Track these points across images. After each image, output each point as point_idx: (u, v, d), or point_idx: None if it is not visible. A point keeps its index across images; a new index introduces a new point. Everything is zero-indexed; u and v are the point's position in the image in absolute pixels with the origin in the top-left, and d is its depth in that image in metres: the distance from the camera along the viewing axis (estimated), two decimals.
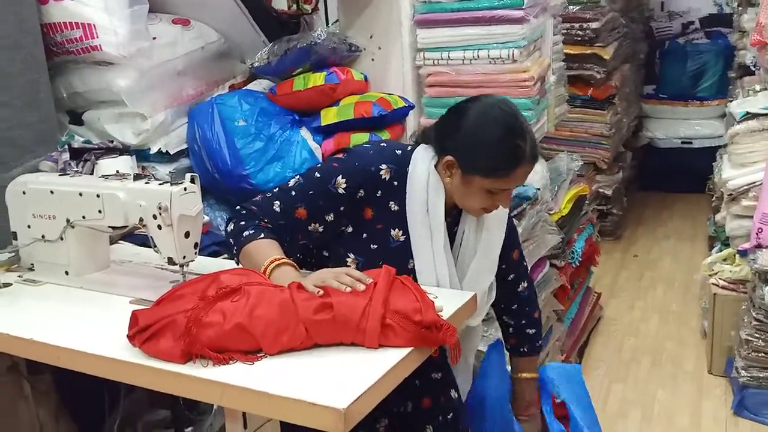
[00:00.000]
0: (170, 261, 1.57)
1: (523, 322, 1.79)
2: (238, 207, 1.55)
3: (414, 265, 1.55)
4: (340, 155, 1.57)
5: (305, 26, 2.65)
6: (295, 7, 2.80)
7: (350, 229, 1.54)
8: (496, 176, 1.45)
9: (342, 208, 1.50)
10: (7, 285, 1.67)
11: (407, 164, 1.54)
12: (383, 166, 1.52)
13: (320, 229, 1.51)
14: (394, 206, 1.54)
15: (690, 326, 3.26)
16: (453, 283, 1.57)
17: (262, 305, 1.27)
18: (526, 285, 1.78)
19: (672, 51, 5.26)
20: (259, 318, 1.25)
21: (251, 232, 1.46)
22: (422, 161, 1.53)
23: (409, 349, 1.26)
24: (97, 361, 1.31)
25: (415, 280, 1.49)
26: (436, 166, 1.53)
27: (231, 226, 1.51)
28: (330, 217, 1.51)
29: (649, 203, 5.06)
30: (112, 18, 2.06)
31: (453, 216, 1.60)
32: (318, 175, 1.51)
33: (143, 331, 1.27)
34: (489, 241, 1.61)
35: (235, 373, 1.20)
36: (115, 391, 1.82)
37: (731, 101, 3.57)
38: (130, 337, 1.29)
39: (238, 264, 1.51)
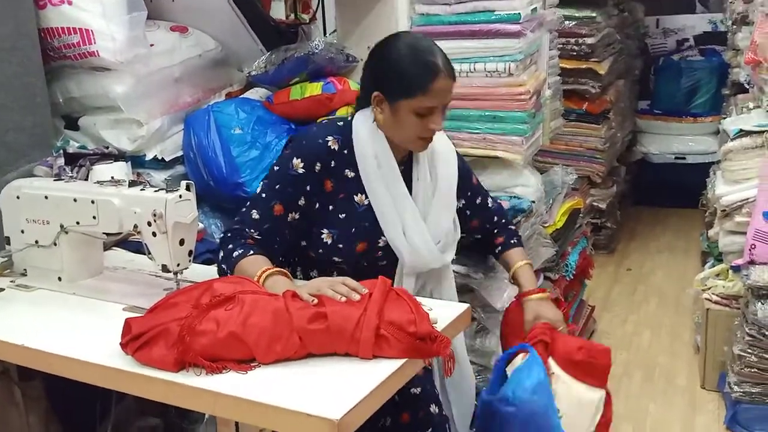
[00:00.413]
0: (164, 268, 1.56)
1: (503, 221, 1.95)
2: (222, 233, 1.63)
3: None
4: (289, 144, 1.67)
5: (303, 36, 2.66)
6: (293, 16, 2.81)
7: (317, 206, 1.61)
8: (417, 93, 1.53)
9: (308, 188, 1.59)
10: None
11: (351, 131, 1.63)
12: (329, 138, 1.61)
13: (297, 216, 1.60)
14: (350, 173, 1.62)
15: (683, 341, 3.26)
16: (419, 228, 1.63)
17: (256, 314, 1.27)
18: (491, 200, 1.92)
19: (666, 67, 5.30)
20: (253, 326, 1.25)
21: (240, 251, 1.52)
22: (362, 122, 1.63)
23: (402, 361, 1.26)
24: (90, 369, 1.30)
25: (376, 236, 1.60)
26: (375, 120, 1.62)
27: (221, 253, 1.57)
28: (302, 201, 1.59)
29: (643, 217, 5.08)
30: (110, 24, 2.06)
31: (405, 166, 1.67)
32: (277, 168, 1.61)
33: (136, 338, 1.27)
34: (444, 180, 1.70)
35: (228, 383, 1.20)
36: (107, 398, 1.80)
37: (725, 118, 3.59)
38: (123, 345, 1.28)
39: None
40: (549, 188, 2.72)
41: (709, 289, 2.84)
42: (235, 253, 1.52)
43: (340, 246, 1.62)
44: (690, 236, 4.53)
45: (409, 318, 1.28)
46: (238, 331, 1.24)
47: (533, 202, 2.41)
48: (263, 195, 1.60)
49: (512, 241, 1.90)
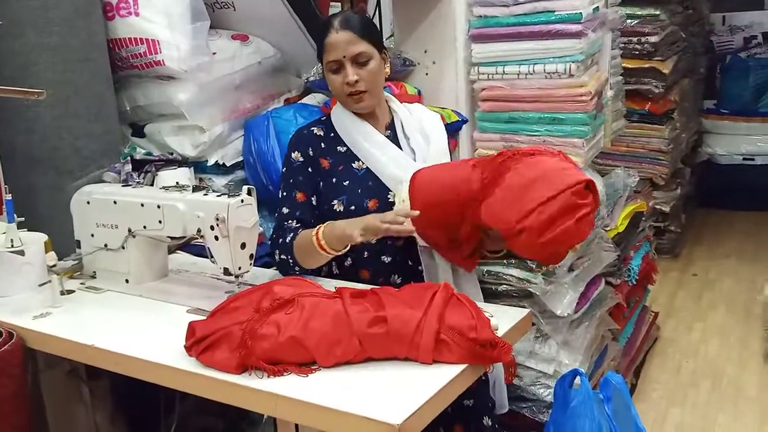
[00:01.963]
0: (226, 271, 1.60)
1: None
2: (269, 240, 1.79)
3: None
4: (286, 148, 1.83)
5: None
6: None
7: (321, 184, 1.76)
8: (322, 53, 1.73)
9: (310, 170, 1.76)
10: (70, 292, 1.72)
11: (331, 121, 1.81)
12: (313, 128, 1.82)
13: (314, 199, 1.76)
14: (341, 149, 1.78)
15: (752, 349, 3.13)
16: (408, 160, 1.73)
17: (316, 317, 1.28)
18: None
19: (733, 65, 5.11)
20: (314, 330, 1.26)
21: (290, 236, 1.69)
22: (336, 107, 1.83)
23: (463, 366, 1.25)
24: (155, 369, 1.33)
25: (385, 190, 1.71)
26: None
27: (277, 252, 1.72)
28: (313, 184, 1.76)
29: (709, 221, 4.91)
30: (175, 34, 2.12)
31: (390, 129, 1.82)
32: (285, 169, 1.79)
33: (200, 341, 1.30)
34: (432, 130, 1.82)
35: (290, 385, 1.21)
36: (170, 397, 1.85)
37: None
38: (188, 348, 1.31)
39: (299, 270, 1.68)
40: (610, 191, 2.65)
41: None
42: (287, 240, 1.68)
43: (353, 208, 1.71)
44: (759, 240, 4.35)
45: (470, 323, 1.28)
46: (299, 335, 1.26)
47: None
48: (284, 193, 1.77)
49: None
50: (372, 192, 1.73)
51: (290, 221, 1.73)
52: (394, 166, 1.73)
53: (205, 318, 1.40)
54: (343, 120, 1.80)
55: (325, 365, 1.26)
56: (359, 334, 1.27)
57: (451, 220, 1.59)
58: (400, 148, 1.78)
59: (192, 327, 1.33)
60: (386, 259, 1.74)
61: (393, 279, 1.73)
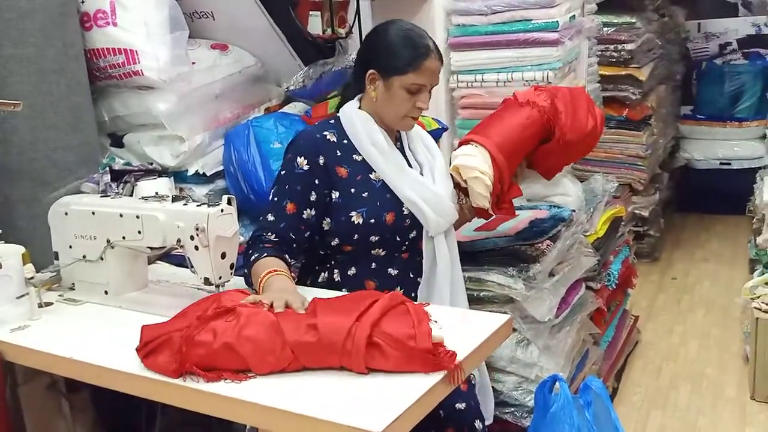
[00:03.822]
0: (206, 281, 1.59)
1: None
2: (246, 242, 1.73)
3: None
4: (289, 148, 1.76)
5: (340, 50, 2.68)
6: (330, 31, 2.84)
7: (336, 194, 1.70)
8: (409, 70, 1.67)
9: (316, 181, 1.69)
10: (48, 304, 1.71)
11: (341, 124, 1.76)
12: (326, 132, 1.74)
13: (312, 212, 1.69)
14: (357, 157, 1.74)
15: (731, 351, 3.17)
16: (429, 189, 1.74)
17: (251, 326, 1.29)
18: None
19: (709, 72, 5.19)
20: (247, 339, 1.27)
21: (255, 255, 1.65)
22: (348, 110, 1.77)
23: (444, 372, 1.25)
24: (136, 381, 1.32)
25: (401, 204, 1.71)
26: (360, 108, 1.76)
27: (244, 260, 1.68)
28: (313, 197, 1.69)
29: (687, 225, 4.97)
30: (154, 44, 2.11)
31: (399, 141, 1.81)
32: (284, 172, 1.71)
33: (146, 345, 1.32)
34: (437, 152, 1.85)
35: (272, 395, 1.21)
36: (151, 409, 1.83)
37: None
38: (137, 350, 1.34)
39: (251, 286, 1.64)
40: (589, 197, 2.68)
41: (758, 297, 2.76)
42: (252, 258, 1.65)
43: (372, 221, 1.69)
44: (737, 244, 4.41)
45: (408, 332, 1.24)
46: (232, 342, 1.27)
47: (574, 211, 2.38)
48: (275, 199, 1.70)
49: None
50: (390, 205, 1.71)
51: (269, 234, 1.68)
52: (402, 180, 1.72)
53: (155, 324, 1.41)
54: (368, 133, 1.73)
55: (259, 373, 1.26)
56: (291, 343, 1.26)
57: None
58: (408, 161, 1.79)
59: (142, 330, 1.36)
60: (393, 271, 1.75)
61: (396, 291, 1.71)
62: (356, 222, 1.68)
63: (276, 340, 1.26)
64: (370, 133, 1.73)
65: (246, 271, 1.67)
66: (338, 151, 1.72)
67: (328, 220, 1.71)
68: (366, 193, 1.70)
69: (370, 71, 1.72)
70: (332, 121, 1.79)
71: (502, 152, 1.81)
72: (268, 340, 1.27)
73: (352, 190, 1.70)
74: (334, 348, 1.24)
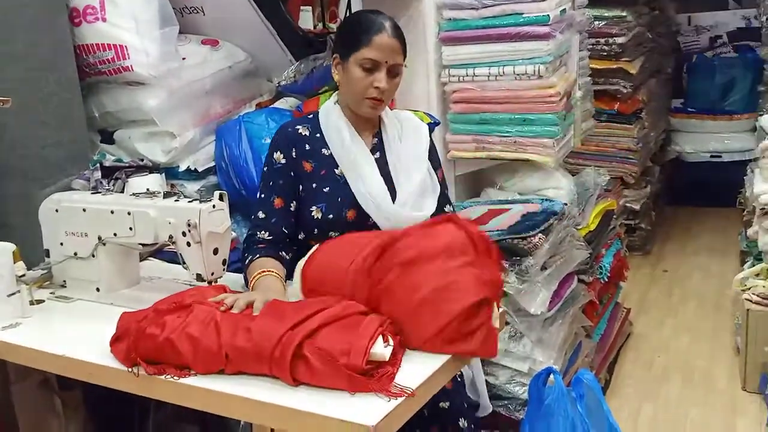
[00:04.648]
0: (199, 277, 1.59)
1: None
2: (243, 243, 1.74)
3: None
4: (270, 146, 1.77)
5: (331, 45, 2.68)
6: (321, 26, 2.83)
7: (301, 188, 1.72)
8: (361, 46, 1.65)
9: (292, 173, 1.71)
10: (39, 301, 1.70)
11: (318, 120, 1.76)
12: (299, 126, 1.75)
13: (297, 205, 1.71)
14: (326, 152, 1.73)
15: (722, 343, 3.19)
16: (382, 190, 1.68)
17: (194, 324, 1.29)
18: (451, 208, 1.87)
19: (699, 65, 5.20)
20: (188, 336, 1.27)
21: (250, 257, 1.66)
22: (326, 102, 1.78)
23: (436, 366, 1.26)
24: (128, 378, 1.32)
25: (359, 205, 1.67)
26: (336, 102, 1.76)
27: (240, 259, 1.70)
28: (294, 189, 1.71)
29: (678, 218, 4.99)
30: (144, 39, 2.10)
31: (377, 137, 1.78)
32: (266, 168, 1.74)
33: (116, 332, 1.36)
34: (410, 134, 1.79)
35: (265, 390, 1.21)
36: (145, 406, 1.83)
37: (762, 115, 3.51)
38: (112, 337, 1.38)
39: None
40: (581, 190, 2.69)
41: (749, 289, 2.78)
42: (246, 261, 1.66)
43: (330, 217, 1.68)
44: (728, 236, 4.43)
45: (342, 348, 1.17)
46: (174, 338, 1.27)
47: (565, 204, 2.39)
48: (262, 195, 1.73)
49: None
50: (352, 202, 1.69)
51: (262, 231, 1.69)
52: (357, 174, 1.69)
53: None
54: (335, 126, 1.73)
55: (197, 371, 1.27)
56: (226, 346, 1.24)
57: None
58: (385, 158, 1.75)
59: (120, 317, 1.39)
60: None
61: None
62: (315, 217, 1.68)
63: (212, 341, 1.25)
64: (336, 125, 1.73)
65: (243, 270, 1.69)
66: (307, 145, 1.73)
67: (297, 213, 1.72)
68: (327, 188, 1.70)
69: (334, 56, 1.73)
70: (311, 116, 1.80)
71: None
72: (205, 340, 1.26)
73: (314, 185, 1.70)
74: (263, 355, 1.21)
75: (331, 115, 1.75)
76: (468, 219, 1.50)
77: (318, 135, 1.75)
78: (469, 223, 1.45)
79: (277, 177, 1.71)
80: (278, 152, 1.72)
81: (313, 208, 1.69)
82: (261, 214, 1.71)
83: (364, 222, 1.69)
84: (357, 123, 1.75)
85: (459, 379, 1.79)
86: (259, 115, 2.37)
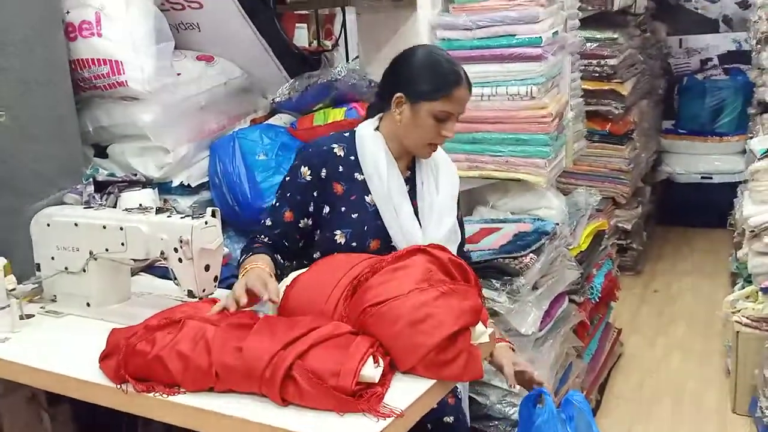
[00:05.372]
0: (190, 294, 1.58)
1: None
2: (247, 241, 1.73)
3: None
4: (298, 154, 1.74)
5: (326, 63, 2.70)
6: (316, 43, 2.86)
7: (327, 209, 1.68)
8: (440, 97, 1.62)
9: (315, 193, 1.67)
10: (29, 316, 1.69)
11: (355, 140, 1.71)
12: (335, 145, 1.70)
13: (309, 222, 1.69)
14: (359, 176, 1.69)
15: (713, 364, 3.20)
16: (416, 230, 1.67)
17: (184, 341, 1.28)
18: (466, 248, 1.91)
19: (690, 87, 5.27)
20: (178, 354, 1.27)
21: (244, 256, 1.65)
22: (365, 128, 1.72)
23: (427, 387, 1.26)
24: (117, 395, 1.31)
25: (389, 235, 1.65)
26: (377, 128, 1.71)
27: (240, 257, 1.68)
28: (311, 208, 1.68)
29: (670, 238, 5.02)
30: (139, 55, 2.11)
31: (410, 171, 1.75)
32: (288, 178, 1.70)
33: (106, 348, 1.35)
34: (446, 186, 1.76)
35: (254, 409, 1.20)
36: (132, 423, 1.82)
37: (751, 137, 3.56)
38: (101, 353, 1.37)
39: None
40: (573, 210, 2.70)
41: (739, 311, 2.79)
42: (241, 258, 1.65)
43: (354, 245, 1.65)
44: (718, 257, 4.46)
45: (332, 369, 1.18)
46: (164, 355, 1.27)
47: (557, 224, 2.40)
48: (276, 204, 1.71)
49: None
50: (377, 232, 1.66)
51: (264, 237, 1.69)
52: (393, 210, 1.67)
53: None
54: (373, 154, 1.67)
55: (187, 389, 1.26)
56: (217, 364, 1.24)
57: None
58: (415, 193, 1.73)
59: (110, 333, 1.39)
60: None
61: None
62: (339, 242, 1.65)
63: (203, 359, 1.25)
64: (375, 155, 1.68)
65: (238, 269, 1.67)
66: (341, 167, 1.68)
67: (318, 232, 1.70)
68: (356, 215, 1.66)
69: (398, 94, 1.66)
70: (347, 134, 1.75)
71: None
72: (195, 358, 1.25)
73: (343, 209, 1.66)
74: (254, 374, 1.20)
75: (369, 142, 1.69)
76: (441, 247, 1.48)
77: (353, 158, 1.69)
78: (442, 251, 1.45)
79: (295, 191, 1.67)
80: (306, 167, 1.67)
81: (338, 232, 1.66)
82: (268, 222, 1.69)
83: (386, 252, 1.65)
84: (396, 155, 1.71)
85: (459, 396, 1.79)
86: (253, 131, 2.37)
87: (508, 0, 2.33)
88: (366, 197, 1.68)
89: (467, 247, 1.96)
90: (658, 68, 5.09)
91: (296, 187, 1.67)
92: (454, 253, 1.71)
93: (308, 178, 1.66)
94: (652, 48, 4.87)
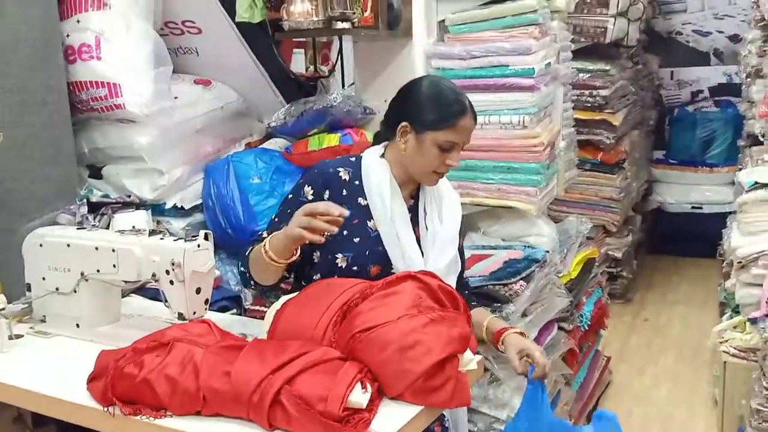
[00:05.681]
0: (180, 316, 1.59)
1: (473, 303, 1.89)
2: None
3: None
4: (304, 174, 1.75)
5: (322, 89, 2.73)
6: (312, 69, 2.89)
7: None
8: (444, 127, 1.64)
9: None
10: (18, 336, 1.69)
11: (360, 165, 1.73)
12: (341, 169, 1.71)
13: (306, 242, 1.62)
14: (362, 201, 1.69)
15: (701, 394, 3.21)
16: (418, 260, 1.68)
17: (173, 365, 1.29)
18: (466, 276, 1.94)
19: (681, 118, 5.33)
20: (166, 377, 1.27)
21: (250, 249, 1.66)
22: (371, 155, 1.74)
23: (414, 413, 1.26)
24: (104, 417, 1.31)
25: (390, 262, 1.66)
26: (383, 155, 1.73)
27: (239, 264, 1.69)
28: None
29: (660, 267, 5.04)
30: (137, 79, 2.14)
31: (414, 199, 1.76)
32: (290, 196, 1.71)
33: (94, 370, 1.36)
34: (449, 217, 1.77)
35: None
36: None
37: (741, 169, 3.60)
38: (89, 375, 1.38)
39: (253, 285, 1.66)
40: (563, 237, 2.72)
41: (727, 341, 2.80)
42: (246, 252, 1.65)
43: (355, 269, 1.65)
44: (708, 286, 4.48)
45: (320, 394, 1.19)
46: (152, 379, 1.27)
47: (547, 251, 2.42)
48: (275, 219, 1.70)
49: (473, 303, 1.88)
50: (378, 258, 1.66)
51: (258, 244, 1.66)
52: (396, 238, 1.67)
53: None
54: (377, 181, 1.68)
55: (174, 413, 1.26)
56: (204, 388, 1.24)
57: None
58: (417, 220, 1.74)
59: (98, 355, 1.39)
60: None
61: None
62: (340, 265, 1.65)
63: (191, 383, 1.25)
64: (379, 181, 1.68)
65: (242, 269, 1.67)
66: (344, 190, 1.69)
67: (318, 253, 1.69)
68: (357, 239, 1.67)
69: (403, 123, 1.68)
70: (353, 159, 1.76)
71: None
72: (183, 381, 1.26)
73: (345, 232, 1.65)
74: (242, 398, 1.21)
75: (375, 168, 1.70)
76: (431, 273, 1.50)
77: (357, 182, 1.70)
78: (432, 278, 1.46)
79: (296, 209, 1.61)
80: (309, 187, 1.68)
81: (339, 255, 1.66)
82: (265, 234, 1.66)
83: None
84: (400, 182, 1.72)
85: (446, 425, 1.79)
86: (248, 154, 2.39)
87: (502, 31, 2.37)
88: (368, 222, 1.68)
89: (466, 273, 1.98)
90: (649, 99, 5.16)
91: (298, 204, 1.65)
92: (454, 283, 1.75)
93: (310, 197, 1.67)
94: (644, 79, 4.95)
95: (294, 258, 1.57)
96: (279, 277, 1.66)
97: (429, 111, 1.66)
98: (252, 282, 1.66)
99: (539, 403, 1.64)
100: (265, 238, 1.63)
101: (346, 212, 1.50)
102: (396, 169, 1.72)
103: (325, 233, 1.48)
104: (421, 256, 1.70)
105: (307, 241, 1.51)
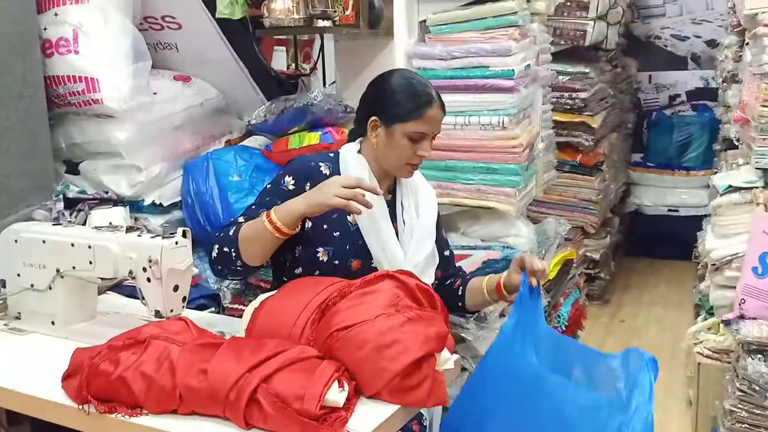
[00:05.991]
0: (157, 314, 1.58)
1: (456, 265, 1.99)
2: (216, 232, 1.68)
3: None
4: (285, 167, 1.75)
5: (302, 86, 2.73)
6: (293, 66, 2.89)
7: (309, 224, 1.67)
8: (412, 118, 1.66)
9: None
10: None
11: (339, 160, 1.75)
12: (321, 164, 1.72)
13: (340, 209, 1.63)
14: None
15: (675, 395, 3.25)
16: (398, 251, 1.70)
17: (149, 362, 1.28)
18: (449, 250, 1.96)
19: (659, 121, 5.40)
20: (141, 375, 1.26)
21: (234, 228, 1.61)
22: (349, 153, 1.76)
23: (391, 411, 1.27)
24: (78, 415, 1.30)
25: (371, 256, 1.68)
26: (359, 152, 1.74)
27: (216, 247, 1.63)
28: None
29: (637, 269, 5.10)
30: (116, 73, 2.12)
31: (391, 194, 1.79)
32: (269, 185, 1.71)
33: (69, 368, 1.34)
34: (426, 210, 1.80)
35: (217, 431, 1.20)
36: None
37: (716, 172, 3.65)
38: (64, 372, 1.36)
39: (240, 265, 1.60)
40: (542, 239, 2.74)
41: (701, 342, 2.83)
42: (231, 233, 1.60)
43: (336, 263, 1.66)
44: (683, 288, 4.54)
45: (297, 392, 1.19)
46: (128, 376, 1.27)
47: (526, 252, 2.43)
48: (253, 206, 1.69)
49: (468, 277, 1.92)
50: (359, 252, 1.68)
51: (234, 227, 1.63)
52: (376, 232, 1.69)
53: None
54: (354, 164, 1.71)
55: (150, 411, 1.26)
56: (181, 386, 1.24)
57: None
58: (395, 215, 1.76)
59: (73, 353, 1.38)
60: None
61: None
62: (322, 259, 1.67)
63: (167, 380, 1.25)
64: (358, 176, 1.69)
65: (225, 249, 1.61)
66: None
67: (300, 248, 1.69)
68: (337, 233, 1.68)
69: (372, 118, 1.71)
70: (332, 155, 1.78)
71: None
72: (159, 379, 1.25)
73: (324, 226, 1.67)
74: (218, 397, 1.20)
75: (353, 163, 1.73)
76: (409, 273, 1.50)
77: None
78: (410, 277, 1.47)
79: (276, 197, 1.65)
80: (290, 177, 1.69)
81: (320, 249, 1.67)
82: (241, 219, 1.65)
83: (367, 273, 1.64)
84: (377, 177, 1.74)
85: (424, 424, 1.79)
86: (228, 152, 2.38)
87: (483, 33, 2.38)
88: (348, 216, 1.69)
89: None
90: (628, 102, 5.21)
91: (278, 193, 1.67)
92: (433, 275, 1.77)
93: (291, 187, 1.67)
94: (623, 83, 5.00)
95: (297, 230, 1.58)
96: (270, 255, 1.63)
97: (396, 103, 1.68)
98: (239, 262, 1.60)
99: (532, 308, 1.65)
100: (241, 222, 1.62)
101: (380, 191, 1.56)
102: (372, 165, 1.74)
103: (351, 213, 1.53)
104: (401, 250, 1.72)
105: (338, 213, 1.57)
